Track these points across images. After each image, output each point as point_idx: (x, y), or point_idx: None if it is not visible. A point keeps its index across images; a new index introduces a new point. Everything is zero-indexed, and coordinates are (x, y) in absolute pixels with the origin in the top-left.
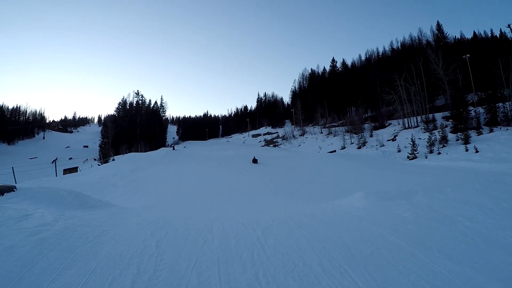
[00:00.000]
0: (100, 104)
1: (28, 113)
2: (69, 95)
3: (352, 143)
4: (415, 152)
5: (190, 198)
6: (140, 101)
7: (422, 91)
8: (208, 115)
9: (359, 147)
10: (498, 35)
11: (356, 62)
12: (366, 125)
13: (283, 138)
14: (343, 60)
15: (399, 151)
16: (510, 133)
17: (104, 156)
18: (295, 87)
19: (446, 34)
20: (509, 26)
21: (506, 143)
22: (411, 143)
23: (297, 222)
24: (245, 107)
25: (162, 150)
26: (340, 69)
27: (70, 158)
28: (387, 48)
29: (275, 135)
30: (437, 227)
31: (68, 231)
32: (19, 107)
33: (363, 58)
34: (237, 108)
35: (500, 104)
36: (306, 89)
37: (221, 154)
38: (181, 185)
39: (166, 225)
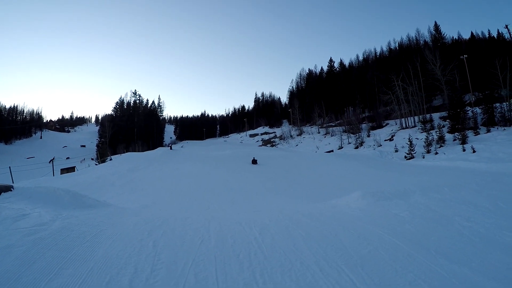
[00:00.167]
0: (97, 103)
1: (25, 112)
2: (67, 94)
3: (350, 143)
4: (412, 152)
5: (188, 198)
6: (137, 101)
7: (419, 91)
8: (206, 114)
9: (357, 147)
10: (495, 36)
11: (353, 62)
12: (363, 125)
13: (281, 138)
14: (341, 60)
15: (396, 151)
16: (507, 133)
17: (102, 155)
18: (292, 87)
19: (443, 34)
20: (506, 26)
21: (503, 143)
22: (409, 143)
23: (294, 221)
24: (243, 107)
25: (159, 150)
26: (337, 69)
27: (67, 158)
28: (384, 48)
29: (272, 135)
30: (434, 226)
31: (65, 230)
32: (17, 106)
33: (360, 58)
34: (234, 108)
35: (497, 104)
36: (304, 89)
37: (219, 154)
38: (179, 185)
39: (164, 225)
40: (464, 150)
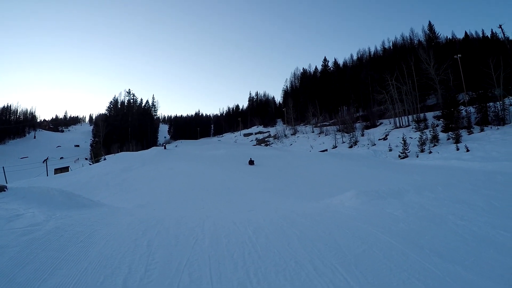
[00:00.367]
0: (91, 103)
1: (19, 112)
2: (60, 94)
3: (344, 142)
4: (406, 151)
5: (182, 197)
6: (131, 100)
7: (413, 91)
8: (200, 114)
9: (351, 146)
10: (489, 36)
11: (347, 62)
12: (357, 124)
13: (275, 137)
14: (335, 59)
15: (390, 150)
16: (500, 133)
17: (96, 155)
18: (286, 86)
19: (437, 34)
20: (500, 26)
21: (496, 142)
22: (402, 142)
23: (289, 221)
24: (237, 106)
25: (153, 149)
26: (331, 68)
27: (61, 158)
28: (378, 48)
29: (266, 134)
30: (428, 225)
31: (59, 230)
32: (10, 106)
33: (354, 57)
34: (228, 107)
35: (491, 103)
36: (298, 88)
37: (213, 153)
38: (173, 185)
39: (158, 225)
40: (458, 149)
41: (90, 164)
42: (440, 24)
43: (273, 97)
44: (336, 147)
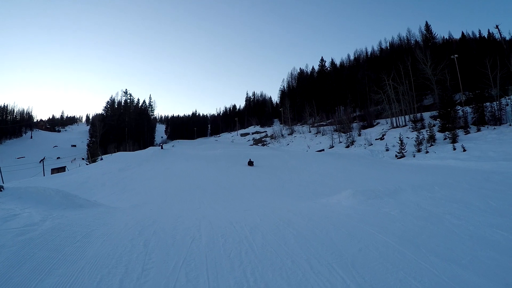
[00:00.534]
0: (88, 103)
1: (15, 112)
2: (57, 94)
3: (341, 142)
4: (403, 151)
5: (178, 197)
6: (128, 100)
7: (410, 91)
8: (197, 114)
9: (348, 146)
10: (486, 36)
11: (345, 62)
12: (354, 124)
13: (272, 137)
14: (332, 59)
15: (387, 150)
16: (497, 133)
17: (92, 155)
18: (283, 86)
19: (434, 34)
20: (497, 27)
21: (493, 142)
22: (399, 142)
23: (285, 220)
24: (234, 106)
25: (150, 149)
26: (328, 68)
27: (58, 158)
28: (375, 48)
29: (263, 134)
30: (424, 225)
31: (56, 230)
32: (7, 106)
33: (351, 57)
34: (225, 107)
35: (488, 103)
36: (295, 88)
37: (210, 153)
38: (170, 184)
39: (154, 224)
40: (454, 149)
41: (87, 164)
42: (437, 25)
43: (270, 97)
44: (333, 147)
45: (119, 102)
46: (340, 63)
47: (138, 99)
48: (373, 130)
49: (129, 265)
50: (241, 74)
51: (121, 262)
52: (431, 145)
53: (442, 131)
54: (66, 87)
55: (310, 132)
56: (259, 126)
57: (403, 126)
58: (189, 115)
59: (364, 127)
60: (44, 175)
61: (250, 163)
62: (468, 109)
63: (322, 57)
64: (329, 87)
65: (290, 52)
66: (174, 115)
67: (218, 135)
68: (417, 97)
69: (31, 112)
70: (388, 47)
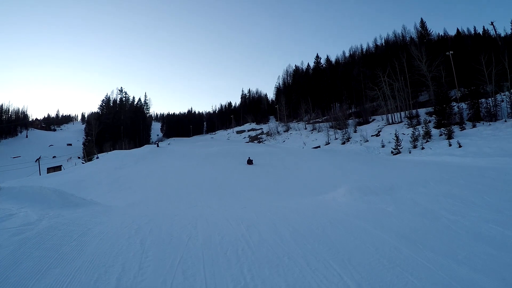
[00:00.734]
0: (83, 101)
1: (10, 111)
2: (52, 93)
3: (337, 139)
4: (399, 147)
5: (175, 195)
6: (123, 98)
7: (405, 87)
8: (192, 111)
9: (343, 143)
10: (481, 33)
11: (340, 59)
12: (350, 121)
13: (268, 134)
14: (327, 56)
15: (383, 146)
16: (492, 129)
17: (88, 154)
18: (279, 83)
19: (429, 31)
20: (492, 23)
21: (488, 138)
22: (395, 138)
23: (282, 217)
24: (229, 104)
25: (146, 147)
26: (324, 65)
27: (53, 157)
28: (371, 45)
29: (259, 131)
30: (420, 220)
31: (52, 230)
32: (1, 105)
33: (347, 54)
34: (221, 105)
35: (483, 100)
36: (290, 85)
37: (206, 150)
38: (166, 182)
39: (151, 223)
40: (450, 145)
41: (83, 163)
42: (432, 21)
43: (266, 94)
44: (329, 143)
45: (115, 101)
46: (336, 60)
47: (134, 97)
48: (369, 126)
49: (126, 263)
50: (237, 71)
51: (118, 260)
52: (427, 141)
53: (437, 127)
54: (61, 85)
55: (306, 129)
56: (255, 123)
57: (399, 123)
58: (184, 113)
59: (360, 124)
60: (40, 174)
61: (250, 162)
62: (463, 105)
63: (317, 54)
64: (324, 84)
65: (285, 49)
66: (170, 113)
67: (214, 133)
68: (413, 93)
69: (26, 111)
70: (384, 44)
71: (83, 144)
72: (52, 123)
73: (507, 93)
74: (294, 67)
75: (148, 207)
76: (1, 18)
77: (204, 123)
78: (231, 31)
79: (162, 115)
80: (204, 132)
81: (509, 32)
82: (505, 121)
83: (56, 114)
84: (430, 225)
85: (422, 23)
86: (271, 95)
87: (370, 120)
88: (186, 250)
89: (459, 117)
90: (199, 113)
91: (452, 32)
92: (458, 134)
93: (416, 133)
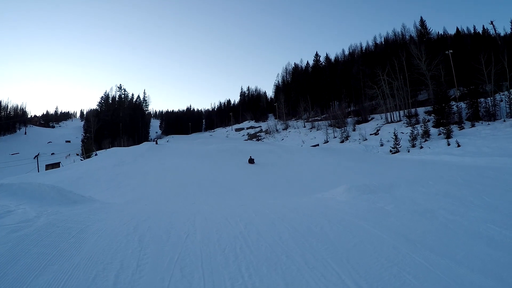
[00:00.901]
0: (82, 98)
1: (9, 108)
2: (51, 89)
3: (335, 137)
4: (397, 146)
5: (173, 193)
6: (122, 95)
7: (405, 86)
8: (191, 109)
9: (342, 141)
10: (480, 32)
11: (339, 57)
12: (349, 119)
13: (267, 132)
14: (327, 54)
15: (381, 145)
16: (491, 128)
17: (87, 151)
18: (278, 81)
19: (429, 30)
20: (492, 23)
21: (487, 137)
22: (394, 137)
23: (280, 215)
24: (228, 101)
25: (145, 144)
26: (323, 63)
27: (52, 154)
28: (370, 43)
29: (258, 129)
30: (419, 220)
31: (51, 226)
32: (0, 102)
33: (346, 53)
34: (220, 102)
35: (482, 99)
36: (290, 83)
37: (204, 148)
38: (164, 180)
39: (149, 220)
40: (448, 144)
41: (82, 160)
42: (431, 20)
43: (265, 92)
44: (327, 142)
45: (114, 97)
46: (335, 58)
47: (133, 94)
48: (368, 125)
49: (124, 260)
50: (236, 69)
51: (116, 257)
52: (426, 140)
53: (436, 127)
54: (60, 82)
55: (304, 127)
56: (254, 121)
57: (398, 121)
58: (183, 110)
59: (359, 122)
60: (38, 171)
61: (251, 161)
62: (462, 104)
63: (316, 52)
64: (323, 82)
65: (284, 47)
66: (169, 110)
67: (212, 130)
68: (412, 92)
69: (25, 108)
70: (383, 42)
71: (82, 141)
72: (50, 120)
73: (506, 92)
74: (293, 65)
75: (147, 204)
76: None
77: (203, 120)
78: (231, 28)
79: (161, 112)
80: (203, 130)
81: (508, 31)
82: (504, 121)
83: (55, 111)
84: (429, 224)
85: (422, 22)
86: (270, 93)
87: (369, 118)
88: (184, 248)
89: (458, 117)
90: (198, 110)
91: (451, 31)
92: (457, 134)
93: (415, 132)
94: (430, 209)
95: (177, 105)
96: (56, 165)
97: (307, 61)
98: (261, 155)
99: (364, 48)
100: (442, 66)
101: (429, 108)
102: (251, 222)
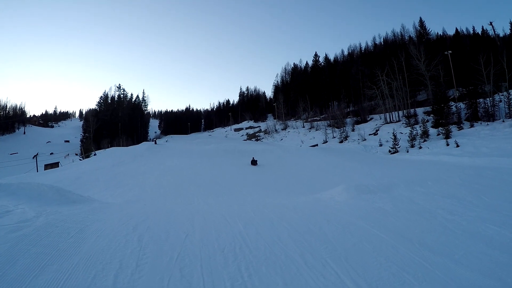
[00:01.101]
0: (81, 98)
1: (8, 107)
2: (50, 89)
3: (334, 137)
4: (396, 146)
5: (172, 192)
6: (121, 95)
7: (404, 86)
8: (190, 109)
9: (341, 141)
10: (480, 32)
11: (338, 57)
12: (348, 120)
13: (266, 132)
14: (326, 55)
15: (380, 145)
16: (490, 129)
17: (86, 150)
18: (277, 81)
19: (428, 30)
20: (491, 23)
21: (486, 138)
22: (393, 137)
23: (279, 215)
24: (228, 101)
25: (144, 144)
26: (322, 64)
27: (51, 153)
28: (369, 44)
29: (257, 129)
30: (417, 219)
31: (49, 226)
32: None
33: (345, 53)
34: (219, 102)
35: (481, 100)
36: (289, 83)
37: (203, 148)
38: (163, 179)
39: (148, 220)
40: (447, 144)
41: (81, 160)
42: (431, 21)
43: (264, 92)
44: (326, 142)
45: (113, 97)
46: (334, 58)
47: (132, 94)
48: (367, 125)
49: (123, 260)
50: (235, 69)
51: (115, 257)
52: (425, 140)
53: (435, 127)
54: (59, 82)
55: (303, 127)
56: (253, 121)
57: (397, 122)
58: (182, 110)
59: (358, 123)
60: (37, 171)
61: (254, 162)
62: (461, 105)
63: (316, 52)
64: (322, 82)
65: (283, 47)
66: (168, 110)
67: (211, 130)
68: (411, 92)
69: (24, 108)
70: (382, 43)
71: (81, 141)
72: (49, 119)
73: (505, 93)
74: (292, 65)
75: (146, 204)
76: None
77: (202, 120)
78: (230, 28)
79: (160, 112)
80: (202, 130)
81: (508, 32)
82: (503, 121)
83: (54, 110)
84: (427, 224)
85: (421, 23)
86: (269, 93)
87: (368, 119)
88: (184, 248)
89: (457, 117)
90: (197, 110)
91: (451, 32)
92: (456, 134)
93: (414, 132)
94: (428, 209)
95: (176, 105)
96: (55, 165)
97: (306, 61)
98: (260, 155)
99: (363, 49)
100: (441, 67)
101: (428, 108)
102: (250, 222)
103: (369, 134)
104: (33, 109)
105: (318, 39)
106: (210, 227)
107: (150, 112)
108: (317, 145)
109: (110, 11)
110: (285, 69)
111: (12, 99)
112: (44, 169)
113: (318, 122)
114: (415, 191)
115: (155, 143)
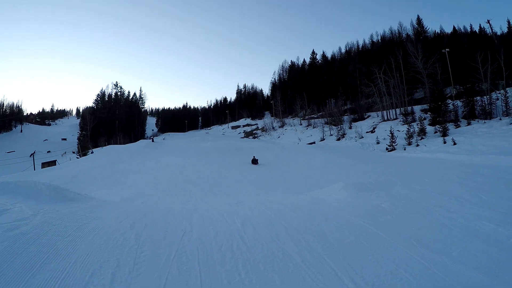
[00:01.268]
0: (78, 96)
1: (5, 105)
2: (47, 87)
3: (331, 135)
4: (393, 144)
5: (170, 190)
6: (119, 93)
7: (401, 84)
8: (188, 106)
9: (338, 139)
10: (477, 30)
11: (336, 55)
12: (345, 117)
13: (263, 129)
14: (323, 52)
15: (378, 143)
16: (487, 126)
17: (83, 148)
18: (275, 79)
19: (426, 28)
20: (488, 21)
21: (483, 135)
22: (390, 135)
23: (276, 213)
24: (225, 99)
25: (141, 142)
26: (320, 61)
27: (48, 152)
28: (367, 41)
29: (254, 127)
30: (415, 217)
31: (47, 225)
32: None
33: (343, 50)
34: (216, 100)
35: (478, 97)
36: (286, 81)
37: (201, 145)
38: (160, 177)
39: (146, 217)
40: (445, 142)
41: (78, 158)
42: (428, 19)
43: (261, 90)
44: (324, 139)
45: (110, 95)
46: (331, 56)
47: (129, 92)
48: (364, 123)
49: (121, 258)
50: (232, 66)
51: (112, 255)
52: (422, 138)
53: (432, 125)
54: (56, 80)
55: (301, 124)
56: (250, 118)
57: (394, 119)
58: (180, 108)
59: (355, 120)
60: (34, 169)
61: (254, 161)
62: (458, 103)
63: (313, 50)
64: (320, 79)
65: (281, 45)
66: (165, 108)
67: (209, 128)
68: (408, 90)
69: (20, 106)
70: (380, 41)
71: (78, 138)
72: (47, 117)
73: (502, 91)
74: (290, 63)
75: (143, 202)
76: None
77: (199, 118)
78: (227, 25)
79: (157, 110)
80: (199, 127)
81: (505, 30)
82: (500, 119)
83: (51, 108)
84: (425, 221)
85: (419, 20)
86: (266, 91)
87: (365, 116)
88: (181, 245)
89: (454, 115)
90: (194, 108)
91: (448, 30)
92: (453, 132)
93: (411, 130)
94: (426, 207)
95: (174, 102)
96: (52, 163)
97: (304, 59)
98: (257, 153)
99: (360, 46)
100: (438, 65)
101: (425, 106)
102: (248, 220)
103: (366, 132)
104: (30, 107)
105: (315, 36)
106: (207, 224)
107: (147, 110)
108: (314, 142)
109: (107, 9)
110: (282, 66)
111: (9, 97)
112: (41, 168)
113: (316, 119)
114: (412, 188)
115: (153, 141)
